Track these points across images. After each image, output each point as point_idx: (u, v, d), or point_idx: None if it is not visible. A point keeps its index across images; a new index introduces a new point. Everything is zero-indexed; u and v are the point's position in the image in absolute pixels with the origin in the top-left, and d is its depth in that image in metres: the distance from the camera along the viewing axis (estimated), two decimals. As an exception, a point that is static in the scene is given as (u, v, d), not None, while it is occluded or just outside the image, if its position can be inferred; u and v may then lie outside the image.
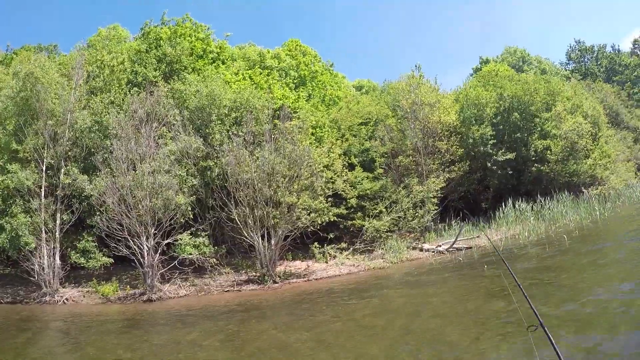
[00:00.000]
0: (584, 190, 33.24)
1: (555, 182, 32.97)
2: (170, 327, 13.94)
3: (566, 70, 75.91)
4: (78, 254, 20.15)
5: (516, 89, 34.22)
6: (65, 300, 18.82)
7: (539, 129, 33.69)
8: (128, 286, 20.22)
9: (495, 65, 42.25)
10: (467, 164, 31.45)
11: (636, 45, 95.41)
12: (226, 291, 19.99)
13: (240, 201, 21.01)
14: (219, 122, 23.39)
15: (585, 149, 33.52)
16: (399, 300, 14.61)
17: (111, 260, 20.30)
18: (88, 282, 20.32)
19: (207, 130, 23.25)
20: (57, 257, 19.93)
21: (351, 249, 24.83)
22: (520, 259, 18.60)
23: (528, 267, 16.82)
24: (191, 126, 23.03)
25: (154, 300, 18.49)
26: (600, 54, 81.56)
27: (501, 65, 41.71)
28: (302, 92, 30.21)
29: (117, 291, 19.69)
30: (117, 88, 24.34)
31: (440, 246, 25.29)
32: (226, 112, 23.85)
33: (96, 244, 20.41)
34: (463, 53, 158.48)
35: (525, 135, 33.81)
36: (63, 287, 20.04)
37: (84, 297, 19.37)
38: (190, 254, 20.21)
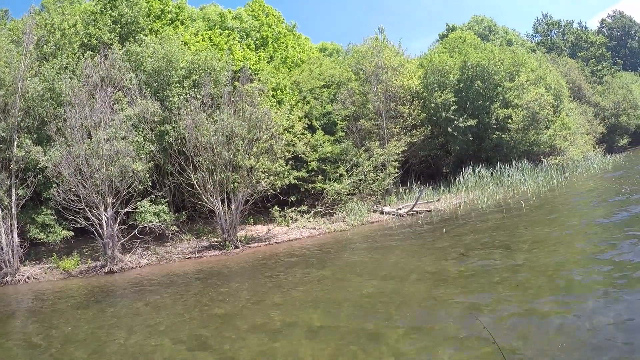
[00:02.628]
0: (543, 159, 34.03)
1: (516, 150, 33.63)
2: (132, 298, 13.60)
3: (532, 42, 76.86)
4: (37, 229, 19.30)
5: (481, 57, 34.40)
6: (27, 279, 18.06)
7: (502, 97, 34.16)
8: (89, 259, 19.68)
9: (462, 33, 42.29)
10: (428, 129, 31.77)
11: (603, 25, 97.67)
12: (188, 258, 19.71)
13: (199, 166, 20.58)
14: (177, 84, 22.71)
15: (546, 119, 34.32)
16: (359, 262, 14.69)
17: (71, 233, 19.50)
18: (49, 258, 19.66)
19: (164, 94, 22.51)
20: (15, 235, 19.02)
21: (312, 212, 24.80)
22: (477, 222, 18.88)
23: (483, 228, 17.20)
24: (148, 90, 22.23)
25: (116, 272, 18.07)
26: (567, 30, 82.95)
27: (468, 34, 41.75)
28: (263, 53, 29.67)
29: (78, 265, 19.11)
30: (69, 52, 23.19)
31: (400, 209, 25.52)
32: (184, 74, 23.12)
33: (55, 217, 19.60)
34: (430, 21, 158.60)
35: (488, 103, 34.19)
36: (24, 266, 19.29)
37: (45, 273, 18.69)
38: (151, 222, 19.77)
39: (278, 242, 21.20)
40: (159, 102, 22.03)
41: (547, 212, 19.23)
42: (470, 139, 33.41)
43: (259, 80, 24.86)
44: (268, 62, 29.32)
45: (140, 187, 19.86)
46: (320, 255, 16.75)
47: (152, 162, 20.84)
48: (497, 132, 33.70)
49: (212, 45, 26.44)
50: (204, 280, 15.03)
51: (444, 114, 32.36)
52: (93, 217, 18.50)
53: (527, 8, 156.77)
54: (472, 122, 32.32)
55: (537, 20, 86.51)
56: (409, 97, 32.12)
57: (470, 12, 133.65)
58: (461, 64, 34.48)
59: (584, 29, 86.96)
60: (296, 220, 23.95)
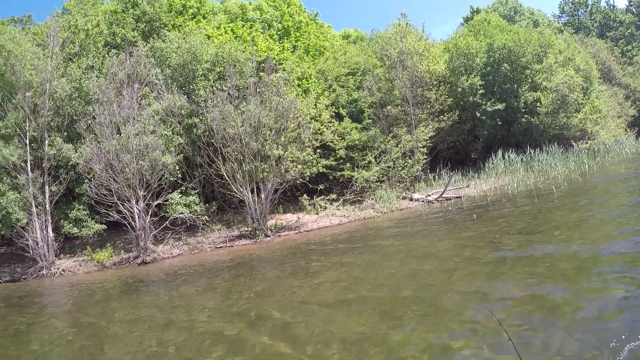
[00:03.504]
0: (573, 143, 33.29)
1: (545, 134, 32.94)
2: (166, 286, 13.81)
3: (559, 23, 75.17)
4: (70, 224, 19.61)
5: (507, 39, 33.69)
6: (62, 272, 18.42)
7: (530, 80, 33.50)
8: (122, 251, 19.94)
9: (487, 15, 41.58)
10: (456, 114, 31.33)
11: (632, 3, 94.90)
12: (219, 247, 19.84)
13: (227, 157, 20.70)
14: (203, 78, 22.82)
15: (576, 102, 33.44)
16: (389, 249, 14.49)
17: (104, 226, 19.84)
18: (83, 251, 19.92)
19: (190, 87, 22.68)
20: (50, 230, 19.38)
21: (341, 199, 24.70)
22: (508, 208, 18.49)
23: (515, 213, 16.83)
24: (174, 84, 22.40)
25: (149, 262, 18.30)
26: (594, 9, 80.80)
27: (492, 16, 41.04)
28: (286, 43, 29.64)
29: (111, 257, 19.41)
30: (94, 52, 23.51)
31: (429, 196, 25.24)
32: (209, 67, 23.23)
33: (87, 212, 19.92)
34: (454, 4, 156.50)
35: (515, 86, 33.55)
36: (59, 259, 19.59)
37: (80, 266, 18.98)
38: (182, 213, 19.89)
39: (308, 230, 21.18)
40: (185, 96, 22.18)
41: (579, 197, 18.61)
42: (499, 123, 32.88)
43: (284, 70, 24.85)
44: (292, 52, 29.28)
45: (170, 179, 20.04)
46: (351, 242, 16.60)
47: (181, 155, 20.98)
48: (526, 116, 33.09)
49: (235, 38, 26.50)
50: (237, 267, 15.14)
51: (471, 98, 31.87)
52: (125, 210, 18.73)
53: None
54: (500, 106, 31.79)
55: (564, 0, 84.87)
56: (435, 82, 31.73)
57: None
58: (487, 47, 33.86)
59: (612, 7, 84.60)
60: (325, 208, 23.89)
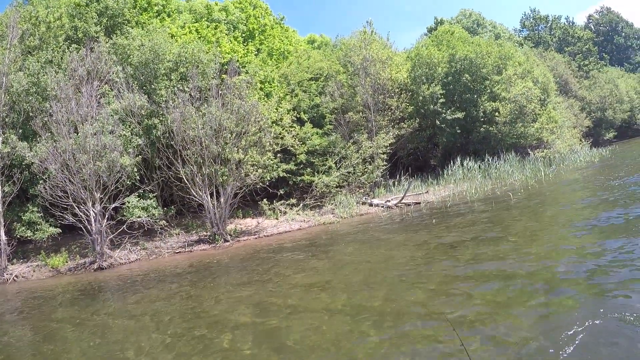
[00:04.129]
0: (530, 152, 34.52)
1: (503, 142, 33.97)
2: (123, 294, 13.47)
3: (519, 37, 77.57)
4: (24, 227, 18.89)
5: (469, 50, 34.59)
6: (15, 278, 17.73)
7: (489, 91, 34.46)
8: (78, 255, 19.33)
9: (450, 27, 42.48)
10: (416, 121, 31.87)
11: (590, 21, 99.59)
12: (177, 253, 19.58)
13: (187, 159, 20.43)
14: (164, 77, 22.49)
15: (533, 113, 34.68)
16: (349, 254, 14.70)
17: (58, 230, 19.17)
18: (37, 256, 19.25)
19: (151, 87, 22.29)
20: (2, 233, 18.63)
21: (301, 204, 24.77)
22: (466, 213, 19.04)
23: (472, 219, 17.35)
24: (135, 83, 21.95)
25: (105, 268, 17.87)
26: (554, 25, 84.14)
27: (456, 27, 41.95)
28: (250, 46, 29.53)
29: (66, 262, 18.80)
30: (54, 46, 22.81)
31: (389, 201, 25.59)
32: (171, 67, 22.89)
33: (42, 214, 19.21)
34: (418, 14, 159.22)
35: (475, 96, 34.44)
36: (12, 264, 18.87)
37: (34, 271, 18.31)
38: (139, 216, 19.46)
39: (267, 235, 21.15)
40: (146, 96, 21.78)
41: (534, 203, 19.48)
42: (458, 131, 33.66)
43: (247, 73, 24.75)
44: (255, 55, 29.18)
45: (128, 181, 19.61)
46: (310, 247, 16.75)
47: (139, 157, 20.52)
48: (484, 125, 34.01)
49: (199, 38, 26.26)
50: (196, 273, 14.93)
51: (431, 106, 32.51)
52: (81, 213, 18.21)
53: (515, 3, 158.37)
54: (459, 115, 32.59)
55: (525, 15, 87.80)
56: (397, 90, 32.23)
57: (459, 6, 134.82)
58: (449, 57, 34.65)
59: (571, 24, 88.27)
60: (285, 213, 23.90)
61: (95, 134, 18.67)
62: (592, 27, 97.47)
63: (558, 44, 79.51)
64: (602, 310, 6.92)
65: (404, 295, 9.12)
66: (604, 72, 70.53)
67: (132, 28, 25.21)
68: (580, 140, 46.01)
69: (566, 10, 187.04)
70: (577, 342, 6.13)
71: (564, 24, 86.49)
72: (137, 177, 20.47)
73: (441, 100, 32.53)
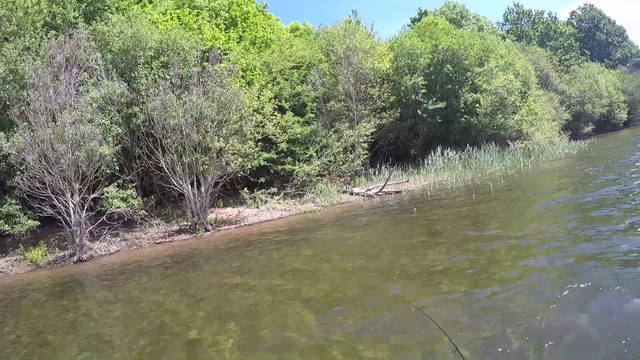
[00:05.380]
0: (510, 143, 34.95)
1: (483, 133, 34.44)
2: (104, 286, 13.23)
3: (502, 30, 78.41)
4: (1, 220, 18.36)
5: (451, 42, 34.90)
6: None
7: (471, 82, 34.99)
8: (57, 248, 18.94)
9: (434, 18, 42.72)
10: (398, 111, 32.15)
11: (573, 17, 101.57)
12: (158, 243, 19.39)
13: (167, 148, 20.24)
14: (145, 65, 22.10)
15: (513, 105, 35.26)
16: (330, 242, 14.79)
17: (37, 222, 18.62)
18: (15, 250, 18.68)
19: (132, 75, 21.88)
20: None
21: (282, 193, 24.81)
22: (447, 202, 19.42)
23: (452, 207, 17.68)
24: (115, 70, 21.53)
25: (85, 260, 17.54)
26: (537, 19, 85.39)
27: (439, 19, 42.23)
28: (232, 33, 29.27)
29: (46, 255, 18.34)
30: (32, 32, 22.09)
31: (370, 190, 25.81)
32: (152, 55, 22.50)
33: (20, 206, 18.67)
34: (403, 4, 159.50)
35: (457, 87, 34.90)
36: None
37: (13, 266, 17.81)
38: (119, 207, 19.21)
39: (248, 225, 21.16)
40: (126, 83, 21.33)
41: (513, 193, 19.88)
42: (439, 121, 33.98)
43: (229, 61, 24.56)
44: (237, 43, 28.96)
45: (107, 171, 19.25)
46: (291, 236, 16.80)
47: (119, 146, 20.21)
48: (465, 116, 34.42)
49: (180, 25, 25.93)
50: (177, 264, 14.82)
51: (413, 96, 32.77)
52: (60, 205, 17.85)
53: None
54: (441, 105, 33.01)
55: (508, 9, 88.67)
56: (379, 80, 32.37)
57: None
58: (432, 48, 34.87)
59: (553, 19, 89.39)
60: (266, 202, 23.95)
61: (74, 123, 18.29)
62: (575, 23, 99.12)
63: (540, 38, 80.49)
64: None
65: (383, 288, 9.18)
66: (584, 67, 71.77)
67: (113, 14, 24.75)
68: (559, 132, 46.72)
69: (550, 6, 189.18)
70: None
71: (547, 19, 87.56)
72: (117, 167, 20.06)
73: (423, 90, 32.82)
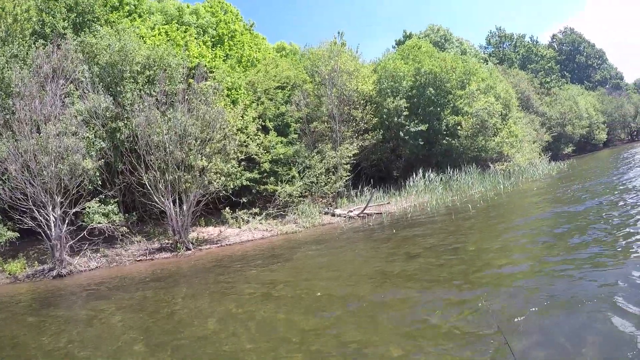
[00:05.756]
0: (490, 165, 35.42)
1: (464, 155, 34.84)
2: (83, 303, 13.13)
3: (484, 53, 79.80)
4: None
5: (434, 65, 35.44)
6: None
7: (452, 105, 35.43)
8: (36, 262, 18.82)
9: (418, 41, 43.37)
10: (380, 133, 32.55)
11: (554, 40, 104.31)
12: (138, 260, 19.35)
13: (151, 165, 20.28)
14: (131, 80, 22.20)
15: (494, 127, 35.74)
16: (311, 263, 14.92)
17: (17, 234, 18.41)
18: None
19: (117, 89, 21.92)
20: None
21: (264, 213, 24.90)
22: (427, 224, 19.58)
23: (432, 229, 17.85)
24: (101, 84, 21.57)
25: (64, 275, 17.44)
26: (518, 42, 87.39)
27: (423, 42, 42.89)
28: (219, 51, 29.47)
29: (24, 268, 18.22)
30: (20, 40, 22.06)
31: (351, 211, 26.03)
32: (139, 70, 22.59)
33: (0, 217, 18.64)
34: (389, 26, 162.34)
35: (439, 109, 35.35)
36: None
37: None
38: (100, 222, 19.07)
39: (230, 244, 21.26)
40: (111, 98, 21.40)
41: (492, 214, 20.17)
42: (421, 143, 34.34)
43: (214, 79, 24.76)
44: (224, 61, 29.14)
45: (89, 186, 19.21)
46: (272, 257, 16.85)
47: (102, 160, 20.10)
48: (447, 138, 34.83)
49: (168, 41, 26.06)
50: (157, 283, 14.76)
51: (395, 119, 33.17)
52: (40, 218, 17.76)
53: (482, 21, 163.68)
54: (423, 127, 33.45)
55: (491, 32, 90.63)
56: (362, 102, 32.80)
57: (428, 21, 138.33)
58: (415, 71, 35.39)
59: (535, 42, 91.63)
60: (248, 222, 24.04)
61: (58, 135, 18.29)
62: (556, 46, 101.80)
63: (522, 61, 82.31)
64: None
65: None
66: (565, 89, 73.34)
67: (102, 26, 24.80)
68: (540, 154, 47.51)
69: (531, 29, 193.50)
70: None
71: (528, 42, 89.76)
72: (99, 182, 20.05)
73: (405, 113, 33.24)
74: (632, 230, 11.41)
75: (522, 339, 6.51)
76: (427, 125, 34.11)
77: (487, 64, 57.85)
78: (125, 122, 21.21)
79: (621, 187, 21.11)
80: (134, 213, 22.51)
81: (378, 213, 25.54)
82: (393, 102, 32.95)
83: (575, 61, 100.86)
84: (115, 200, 21.14)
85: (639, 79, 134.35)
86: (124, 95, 21.76)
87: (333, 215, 25.97)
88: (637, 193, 17.97)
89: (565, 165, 42.26)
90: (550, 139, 57.63)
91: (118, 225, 20.01)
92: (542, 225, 15.15)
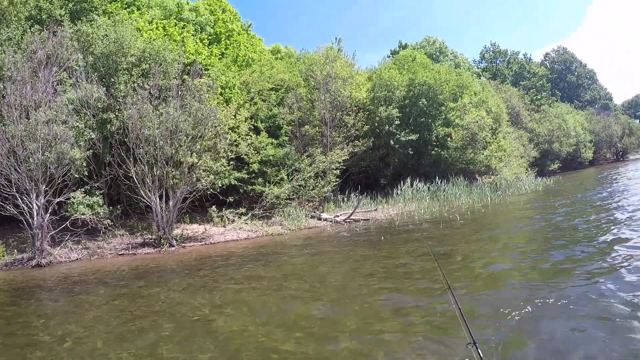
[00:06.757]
0: (478, 177, 35.77)
1: (453, 167, 35.19)
2: (62, 295, 12.90)
3: (478, 68, 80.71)
4: None
5: (428, 76, 35.76)
6: None
7: (444, 116, 35.85)
8: (15, 250, 18.59)
9: (413, 52, 43.76)
10: (371, 140, 32.75)
11: (547, 58, 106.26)
12: (120, 254, 19.06)
13: (139, 158, 20.11)
14: (126, 72, 22.05)
15: (484, 140, 36.05)
16: (295, 266, 14.87)
17: None
18: None
19: (111, 80, 21.76)
20: None
21: (250, 214, 24.87)
22: (414, 232, 19.73)
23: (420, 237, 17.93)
24: (95, 74, 21.39)
25: (44, 266, 17.10)
26: (512, 59, 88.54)
27: (418, 53, 43.31)
28: (215, 49, 29.40)
29: (3, 256, 18.00)
30: (15, 23, 21.92)
31: (338, 216, 26.09)
32: (134, 62, 22.47)
33: None
34: (385, 37, 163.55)
35: (430, 120, 35.72)
36: None
37: None
38: (84, 214, 18.78)
39: (214, 243, 21.11)
40: (104, 88, 21.19)
41: (479, 226, 20.44)
42: (411, 153, 34.59)
43: (209, 77, 24.69)
44: (219, 59, 29.08)
45: (76, 176, 18.94)
46: (257, 257, 16.73)
47: (90, 151, 19.90)
48: (436, 149, 35.17)
49: (165, 35, 25.97)
50: (139, 279, 14.52)
51: (387, 127, 33.36)
52: (23, 205, 17.53)
53: (477, 35, 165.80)
54: (413, 137, 33.72)
55: (485, 48, 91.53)
56: (354, 108, 32.96)
57: (424, 33, 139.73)
58: (409, 81, 35.65)
59: (528, 60, 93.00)
60: (233, 221, 23.99)
61: (47, 122, 18.12)
62: (548, 65, 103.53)
63: (514, 77, 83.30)
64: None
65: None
66: (554, 107, 74.31)
67: (99, 16, 24.69)
68: (527, 169, 48.09)
69: (526, 47, 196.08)
70: None
71: (522, 59, 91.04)
72: (86, 172, 19.79)
73: (397, 122, 33.46)
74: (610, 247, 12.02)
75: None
76: (418, 135, 34.40)
77: (480, 78, 58.56)
78: (117, 113, 21.02)
79: (605, 204, 21.93)
80: (119, 206, 22.20)
81: (365, 219, 25.66)
82: (385, 110, 33.16)
83: (567, 80, 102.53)
84: (101, 192, 20.86)
85: (628, 100, 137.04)
86: (117, 86, 21.59)
87: (319, 219, 25.96)
88: (619, 210, 18.85)
89: (551, 181, 42.70)
90: (538, 155, 58.33)
91: (102, 217, 19.70)
92: (528, 236, 15.59)
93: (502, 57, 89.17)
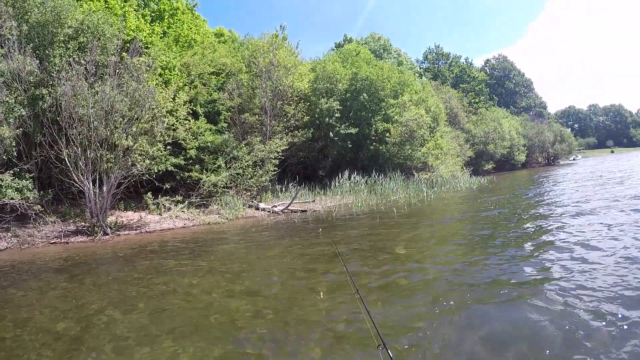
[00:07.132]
0: (415, 173, 36.70)
1: (391, 162, 35.96)
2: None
3: (420, 68, 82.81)
4: None
5: (371, 72, 36.16)
6: None
7: (384, 112, 36.49)
8: None
9: (357, 46, 44.11)
10: (310, 131, 32.77)
11: (487, 64, 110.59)
12: (52, 243, 17.97)
13: (72, 139, 18.98)
14: (62, 45, 20.86)
15: (421, 138, 37.13)
16: (231, 256, 14.59)
17: None
18: None
19: (45, 52, 20.52)
20: None
21: (187, 202, 24.37)
22: (351, 224, 19.87)
23: (357, 229, 18.10)
24: (30, 45, 20.00)
25: None
26: (454, 62, 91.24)
27: (363, 48, 43.77)
28: (157, 27, 28.42)
29: None
30: None
31: (276, 207, 26.06)
32: (71, 35, 21.25)
33: None
34: (331, 29, 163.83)
35: (370, 115, 36.29)
36: None
37: None
38: (13, 198, 17.57)
39: (149, 231, 20.51)
40: (38, 61, 19.92)
41: (416, 219, 20.66)
42: (350, 146, 34.96)
43: (149, 56, 23.86)
44: (161, 38, 28.20)
45: (4, 157, 17.85)
46: (193, 247, 16.40)
47: (20, 129, 18.75)
48: (375, 144, 35.72)
49: (106, 8, 24.86)
50: (73, 269, 13.70)
51: (327, 119, 33.53)
52: None
53: (422, 37, 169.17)
54: (353, 131, 34.06)
55: (429, 49, 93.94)
56: (296, 99, 32.89)
57: (370, 29, 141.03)
58: (351, 75, 35.89)
59: (469, 64, 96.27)
60: (169, 209, 23.43)
61: (-27, 97, 17.01)
62: (488, 70, 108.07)
63: (454, 79, 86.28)
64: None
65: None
66: (491, 111, 78.27)
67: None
68: (462, 168, 49.92)
69: (468, 52, 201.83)
70: None
71: (463, 63, 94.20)
72: (15, 153, 18.61)
73: (337, 114, 33.64)
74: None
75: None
76: (358, 129, 34.80)
77: (421, 78, 59.96)
78: (50, 90, 19.75)
79: (536, 200, 23.53)
80: (50, 191, 20.89)
81: (303, 210, 25.74)
82: (327, 102, 33.31)
83: (504, 86, 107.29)
84: (31, 175, 19.58)
85: (561, 110, 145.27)
86: (51, 59, 20.37)
87: (257, 209, 25.82)
88: (550, 207, 20.23)
89: (486, 180, 44.23)
90: (473, 155, 60.81)
91: (32, 202, 18.61)
92: (461, 228, 16.28)
93: (445, 60, 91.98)
